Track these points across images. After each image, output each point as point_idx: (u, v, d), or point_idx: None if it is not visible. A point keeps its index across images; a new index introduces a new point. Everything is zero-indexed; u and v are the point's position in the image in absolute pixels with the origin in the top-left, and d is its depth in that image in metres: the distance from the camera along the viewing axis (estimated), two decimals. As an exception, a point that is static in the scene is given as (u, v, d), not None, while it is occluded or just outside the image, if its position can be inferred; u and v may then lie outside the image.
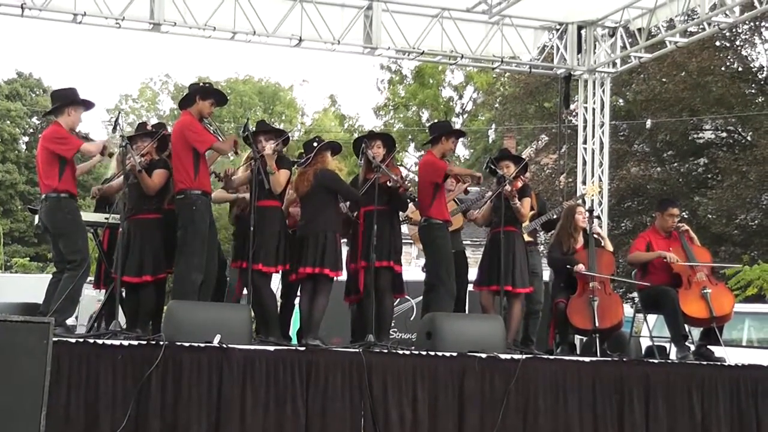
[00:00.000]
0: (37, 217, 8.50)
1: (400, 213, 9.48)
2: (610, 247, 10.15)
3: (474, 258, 10.53)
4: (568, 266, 9.48)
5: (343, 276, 8.89)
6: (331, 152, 8.92)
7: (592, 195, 12.69)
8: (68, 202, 8.15)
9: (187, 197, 8.20)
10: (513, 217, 9.31)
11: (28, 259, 33.59)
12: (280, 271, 8.70)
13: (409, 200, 9.30)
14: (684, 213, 22.61)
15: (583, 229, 9.76)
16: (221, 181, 9.30)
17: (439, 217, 9.07)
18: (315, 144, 8.81)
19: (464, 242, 10.50)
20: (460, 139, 10.83)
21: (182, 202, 8.24)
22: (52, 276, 8.36)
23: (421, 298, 9.68)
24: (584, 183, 13.63)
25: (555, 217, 10.35)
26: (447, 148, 9.36)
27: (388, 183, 8.71)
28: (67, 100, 8.33)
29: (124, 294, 8.63)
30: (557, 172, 23.41)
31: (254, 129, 8.79)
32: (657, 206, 10.47)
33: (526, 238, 10.01)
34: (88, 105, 8.46)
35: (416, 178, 10.66)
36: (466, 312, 10.28)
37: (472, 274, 9.87)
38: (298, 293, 8.99)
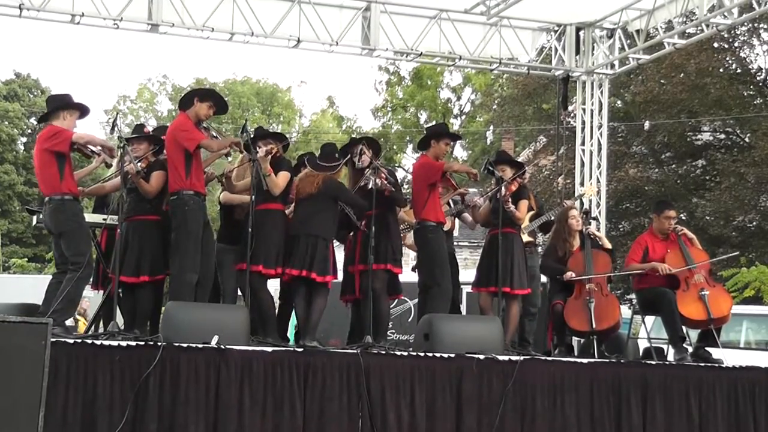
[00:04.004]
0: (35, 218, 8.49)
1: (400, 218, 9.49)
2: (608, 245, 10.15)
3: (473, 259, 10.54)
4: (557, 276, 9.52)
5: (339, 277, 8.88)
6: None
7: (591, 195, 12.69)
8: (72, 204, 8.13)
9: (179, 198, 8.20)
10: (511, 219, 9.32)
11: (26, 259, 33.61)
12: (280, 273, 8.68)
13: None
14: (682, 215, 22.61)
15: (579, 231, 9.78)
16: (223, 185, 9.28)
17: (432, 219, 9.06)
18: (336, 155, 8.80)
19: (463, 243, 10.51)
20: (458, 141, 10.81)
21: (175, 202, 8.24)
22: (52, 277, 8.36)
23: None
24: (582, 184, 13.63)
25: (553, 218, 10.35)
26: (440, 151, 9.35)
27: (368, 186, 8.68)
28: (61, 103, 8.32)
29: (121, 295, 8.65)
30: (555, 173, 23.44)
31: (253, 133, 8.78)
32: (654, 208, 10.48)
33: (526, 239, 10.01)
34: (83, 110, 8.41)
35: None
36: (462, 313, 10.28)
37: (467, 275, 9.87)
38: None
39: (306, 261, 8.39)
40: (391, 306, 10.01)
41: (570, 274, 9.44)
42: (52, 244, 8.42)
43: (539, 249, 10.86)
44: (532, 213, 10.22)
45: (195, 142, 8.26)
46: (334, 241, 8.83)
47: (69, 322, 8.32)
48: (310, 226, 8.49)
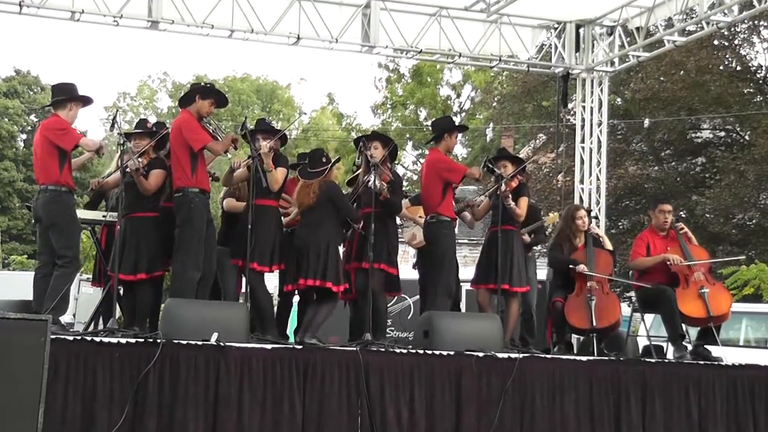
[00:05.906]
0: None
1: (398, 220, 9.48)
2: (609, 246, 10.12)
3: (472, 257, 10.53)
4: (570, 266, 9.47)
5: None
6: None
7: (550, 225, 12.16)
8: (68, 197, 8.16)
9: (184, 195, 8.21)
10: (511, 216, 9.30)
11: (25, 256, 33.58)
12: (276, 271, 8.66)
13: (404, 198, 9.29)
14: (681, 212, 22.63)
15: (584, 232, 9.75)
16: (217, 181, 9.25)
17: (448, 215, 9.08)
18: (324, 159, 8.76)
19: (462, 241, 10.52)
20: (459, 137, 10.74)
21: (180, 200, 8.24)
22: (35, 271, 8.32)
23: (418, 297, 9.67)
24: (582, 182, 13.62)
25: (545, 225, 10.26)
26: (451, 145, 9.41)
27: (369, 183, 8.67)
28: (69, 94, 8.33)
29: (122, 292, 8.64)
30: (555, 171, 23.42)
31: (252, 128, 8.78)
32: (651, 205, 10.48)
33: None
34: (87, 102, 8.49)
35: (413, 177, 10.60)
36: (462, 311, 10.27)
37: (466, 273, 9.86)
38: (296, 293, 8.96)
39: (319, 270, 8.36)
40: (391, 303, 10.00)
41: (582, 267, 9.39)
42: (37, 234, 8.35)
43: (537, 247, 10.84)
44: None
45: (200, 144, 8.28)
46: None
47: (67, 318, 8.30)
48: (317, 235, 8.45)
